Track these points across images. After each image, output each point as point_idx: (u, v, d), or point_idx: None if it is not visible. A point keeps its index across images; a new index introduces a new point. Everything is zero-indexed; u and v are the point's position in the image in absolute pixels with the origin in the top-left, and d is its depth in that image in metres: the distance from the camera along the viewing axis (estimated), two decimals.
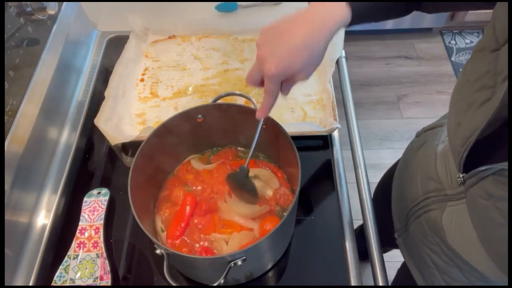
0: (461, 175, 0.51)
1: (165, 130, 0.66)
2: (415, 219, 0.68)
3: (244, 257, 0.53)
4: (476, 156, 0.48)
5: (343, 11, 0.50)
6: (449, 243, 0.61)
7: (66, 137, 0.85)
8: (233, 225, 0.65)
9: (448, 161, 0.59)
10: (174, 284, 0.52)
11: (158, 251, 0.54)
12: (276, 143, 0.67)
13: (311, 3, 0.51)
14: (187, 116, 0.67)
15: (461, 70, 2.32)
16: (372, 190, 0.76)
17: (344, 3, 0.50)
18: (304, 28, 0.49)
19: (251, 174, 0.70)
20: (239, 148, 0.77)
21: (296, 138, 0.75)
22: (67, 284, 0.64)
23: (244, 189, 0.66)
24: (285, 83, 0.54)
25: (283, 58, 0.49)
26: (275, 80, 0.51)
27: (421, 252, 0.69)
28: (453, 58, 2.23)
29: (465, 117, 0.48)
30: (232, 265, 0.53)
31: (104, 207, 0.71)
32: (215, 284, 0.52)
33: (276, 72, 0.49)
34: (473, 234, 0.52)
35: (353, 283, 0.64)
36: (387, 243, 0.87)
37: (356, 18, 0.51)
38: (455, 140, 0.51)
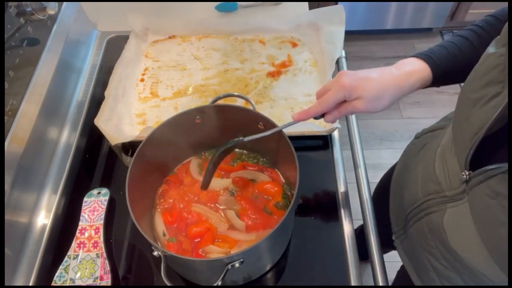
0: (466, 173, 0.50)
1: (162, 132, 0.65)
2: (415, 222, 0.67)
3: (242, 259, 0.53)
4: (480, 154, 0.47)
5: (424, 71, 0.59)
6: (450, 245, 0.60)
7: (66, 137, 0.85)
8: (229, 240, 0.65)
9: (446, 162, 0.59)
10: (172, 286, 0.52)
11: (155, 253, 0.54)
12: (274, 144, 0.67)
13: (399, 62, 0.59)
14: (185, 117, 0.67)
15: None
16: (372, 190, 0.76)
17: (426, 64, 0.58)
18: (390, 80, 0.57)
19: (249, 177, 0.71)
20: (237, 150, 0.76)
21: (296, 138, 0.75)
22: (67, 284, 0.64)
23: None
24: (343, 107, 0.58)
25: (359, 80, 0.55)
26: (340, 90, 0.55)
27: (420, 255, 0.68)
28: None
29: (472, 111, 0.48)
30: (230, 267, 0.53)
31: (104, 207, 0.71)
32: (213, 285, 0.52)
33: (347, 83, 0.55)
34: (473, 234, 0.52)
35: (353, 283, 0.64)
36: (385, 244, 0.87)
37: (438, 79, 0.60)
38: (462, 135, 0.50)
